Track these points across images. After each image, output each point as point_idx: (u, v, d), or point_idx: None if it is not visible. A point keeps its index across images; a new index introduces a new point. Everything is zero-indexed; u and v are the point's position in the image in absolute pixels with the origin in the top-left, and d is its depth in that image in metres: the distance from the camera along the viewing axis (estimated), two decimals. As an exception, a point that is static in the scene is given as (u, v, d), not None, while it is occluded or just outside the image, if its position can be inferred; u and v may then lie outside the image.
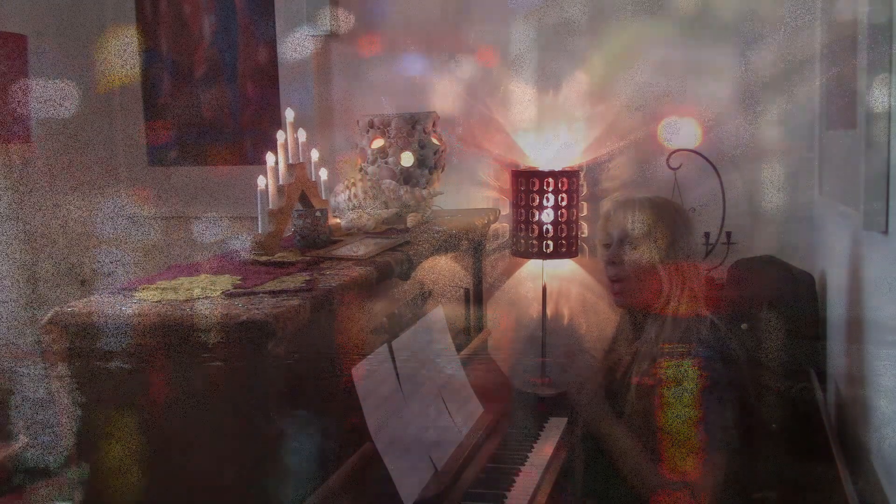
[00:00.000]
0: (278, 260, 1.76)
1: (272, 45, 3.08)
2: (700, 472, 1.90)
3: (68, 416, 1.36)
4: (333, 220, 2.08)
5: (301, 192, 1.99)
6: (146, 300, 1.43)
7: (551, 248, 2.66)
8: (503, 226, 2.88)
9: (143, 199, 3.31)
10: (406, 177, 2.35)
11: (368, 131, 2.39)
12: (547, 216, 2.65)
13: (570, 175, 2.66)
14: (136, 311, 1.36)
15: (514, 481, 2.05)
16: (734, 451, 1.92)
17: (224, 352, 1.31)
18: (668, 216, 2.09)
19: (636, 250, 2.06)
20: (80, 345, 1.35)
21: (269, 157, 1.91)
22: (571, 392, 2.19)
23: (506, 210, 2.83)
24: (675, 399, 1.94)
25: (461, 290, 2.47)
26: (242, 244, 1.91)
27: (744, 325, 2.27)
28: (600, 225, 2.21)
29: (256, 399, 1.32)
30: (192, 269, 1.67)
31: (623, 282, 2.11)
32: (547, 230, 2.65)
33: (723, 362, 1.95)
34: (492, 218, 2.64)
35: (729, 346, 1.99)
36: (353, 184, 2.27)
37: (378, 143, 2.38)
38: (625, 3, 2.70)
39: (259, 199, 1.90)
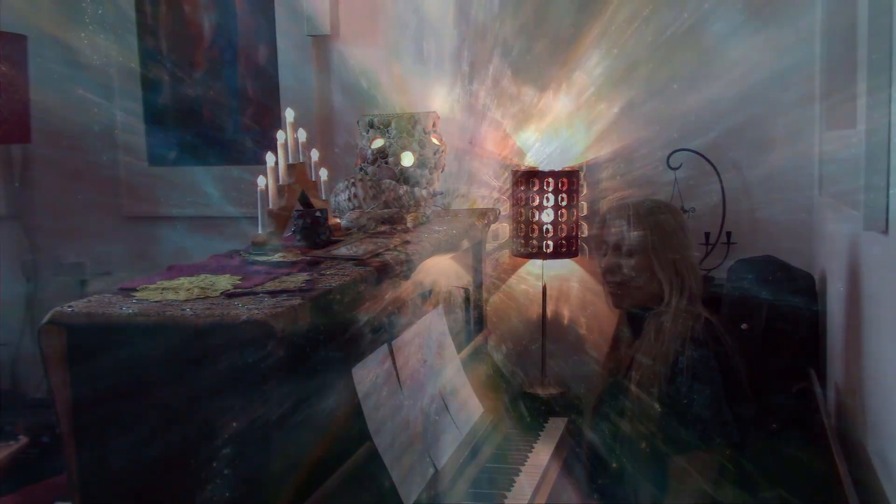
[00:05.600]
0: (278, 260, 1.76)
1: (272, 45, 3.08)
2: (696, 468, 1.91)
3: (68, 416, 1.36)
4: (333, 220, 2.08)
5: (301, 192, 1.99)
6: (146, 300, 1.43)
7: (551, 248, 2.66)
8: (503, 226, 2.88)
9: (143, 199, 3.31)
10: (406, 177, 2.35)
11: (368, 131, 2.39)
12: (547, 216, 2.65)
13: (570, 175, 2.66)
14: (136, 311, 1.36)
15: (514, 481, 2.05)
16: (734, 447, 1.92)
17: (224, 352, 1.31)
18: (662, 220, 2.09)
19: (631, 258, 2.07)
20: (80, 345, 1.35)
21: (269, 157, 1.91)
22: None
23: (506, 210, 2.83)
24: (672, 399, 1.95)
25: (461, 289, 2.47)
26: (242, 244, 1.91)
27: (743, 326, 2.27)
28: (596, 231, 2.21)
29: (256, 399, 1.32)
30: (192, 269, 1.67)
31: (619, 287, 2.12)
32: (547, 230, 2.65)
33: (718, 360, 1.96)
34: (492, 218, 2.64)
35: (725, 344, 2.00)
36: (353, 184, 2.27)
37: (378, 143, 2.38)
38: (624, 4, 2.70)
39: (259, 199, 1.90)
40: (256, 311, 1.32)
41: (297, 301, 1.40)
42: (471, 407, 2.14)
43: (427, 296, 2.14)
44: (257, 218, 1.90)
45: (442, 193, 2.47)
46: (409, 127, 2.33)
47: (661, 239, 2.06)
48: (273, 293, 1.46)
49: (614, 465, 2.06)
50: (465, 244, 2.41)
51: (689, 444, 1.92)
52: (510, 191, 2.78)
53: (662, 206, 2.15)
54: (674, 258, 2.07)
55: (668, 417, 1.94)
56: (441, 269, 2.24)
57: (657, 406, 1.96)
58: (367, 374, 1.68)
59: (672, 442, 1.94)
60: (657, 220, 2.08)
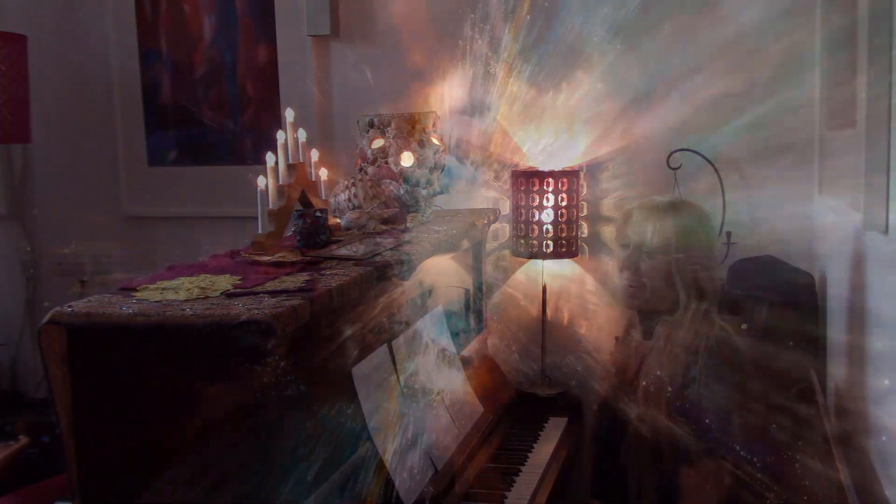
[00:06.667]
0: (278, 260, 1.76)
1: (272, 45, 3.08)
2: (705, 476, 1.89)
3: (68, 416, 1.36)
4: (333, 220, 2.08)
5: (301, 192, 1.99)
6: (146, 300, 1.43)
7: (551, 248, 2.66)
8: (503, 226, 2.88)
9: (143, 199, 3.31)
10: (406, 177, 2.35)
11: (368, 131, 2.39)
12: (547, 216, 2.65)
13: (570, 175, 2.66)
14: (136, 311, 1.36)
15: (514, 481, 2.05)
16: (743, 459, 1.89)
17: (224, 352, 1.31)
18: (687, 227, 2.04)
19: (650, 260, 2.03)
20: (80, 345, 1.35)
21: (269, 157, 1.90)
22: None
23: (506, 210, 2.83)
24: (682, 408, 1.92)
25: (461, 290, 2.47)
26: (242, 244, 1.91)
27: (743, 326, 2.26)
28: (619, 225, 2.17)
29: (256, 399, 1.32)
30: (192, 269, 1.67)
31: (635, 287, 2.08)
32: (547, 230, 2.65)
33: (731, 370, 1.92)
34: (492, 218, 2.64)
35: (739, 354, 1.96)
36: (353, 184, 2.27)
37: (378, 143, 2.38)
38: (625, 4, 2.70)
39: (259, 199, 1.90)
40: (256, 311, 1.32)
41: (297, 301, 1.40)
42: (471, 407, 2.14)
43: (427, 296, 2.14)
44: (257, 218, 1.90)
45: (442, 193, 2.47)
46: (409, 127, 2.33)
47: (684, 246, 2.02)
48: (273, 293, 1.46)
49: (619, 469, 2.05)
50: (465, 244, 2.41)
51: (698, 455, 1.89)
52: (510, 191, 2.78)
53: (690, 211, 2.08)
54: (693, 266, 2.03)
55: (678, 426, 1.92)
56: (441, 269, 2.24)
57: (666, 414, 1.93)
58: (367, 374, 1.68)
59: (681, 451, 1.91)
60: (682, 226, 2.03)
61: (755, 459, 1.90)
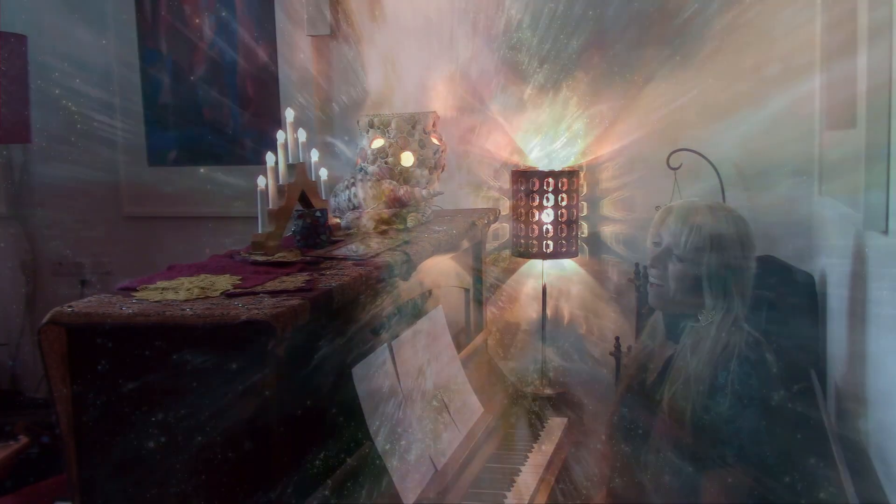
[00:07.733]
0: (278, 260, 1.76)
1: (272, 45, 3.08)
2: (729, 485, 1.87)
3: (68, 416, 1.36)
4: (333, 220, 2.08)
5: (301, 192, 1.99)
6: (146, 300, 1.43)
7: (551, 248, 2.66)
8: (503, 226, 2.88)
9: (143, 199, 3.31)
10: (406, 177, 2.35)
11: (368, 131, 2.39)
12: (547, 216, 2.65)
13: (570, 175, 2.66)
14: (136, 311, 1.36)
15: (514, 481, 2.05)
16: (767, 467, 1.87)
17: (224, 352, 1.31)
18: (726, 237, 1.97)
19: (681, 263, 2.00)
20: (80, 345, 1.35)
21: (269, 157, 1.90)
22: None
23: (506, 210, 2.83)
24: (708, 415, 1.89)
25: (461, 290, 2.47)
26: (242, 244, 1.91)
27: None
28: (654, 223, 2.12)
29: (257, 400, 1.32)
30: (192, 269, 1.67)
31: (661, 286, 2.05)
32: (547, 230, 2.65)
33: (759, 380, 1.89)
34: (492, 218, 2.64)
35: (769, 362, 1.94)
36: (353, 184, 2.27)
37: (378, 143, 2.37)
38: (626, 4, 2.70)
39: (259, 199, 1.90)
40: (256, 311, 1.32)
41: (297, 301, 1.40)
42: (471, 407, 2.14)
43: (427, 296, 2.14)
44: (257, 218, 1.90)
45: (442, 193, 2.47)
46: (409, 127, 2.33)
47: (718, 256, 1.96)
48: (273, 293, 1.46)
49: (635, 471, 2.02)
50: (465, 244, 2.41)
51: (723, 461, 1.86)
52: (510, 191, 2.78)
53: (728, 216, 2.01)
54: (726, 276, 1.99)
55: (702, 433, 1.89)
56: (441, 269, 2.24)
57: (691, 421, 1.90)
58: (367, 374, 1.68)
59: (704, 458, 1.88)
60: (717, 231, 1.97)
61: (778, 469, 1.87)
